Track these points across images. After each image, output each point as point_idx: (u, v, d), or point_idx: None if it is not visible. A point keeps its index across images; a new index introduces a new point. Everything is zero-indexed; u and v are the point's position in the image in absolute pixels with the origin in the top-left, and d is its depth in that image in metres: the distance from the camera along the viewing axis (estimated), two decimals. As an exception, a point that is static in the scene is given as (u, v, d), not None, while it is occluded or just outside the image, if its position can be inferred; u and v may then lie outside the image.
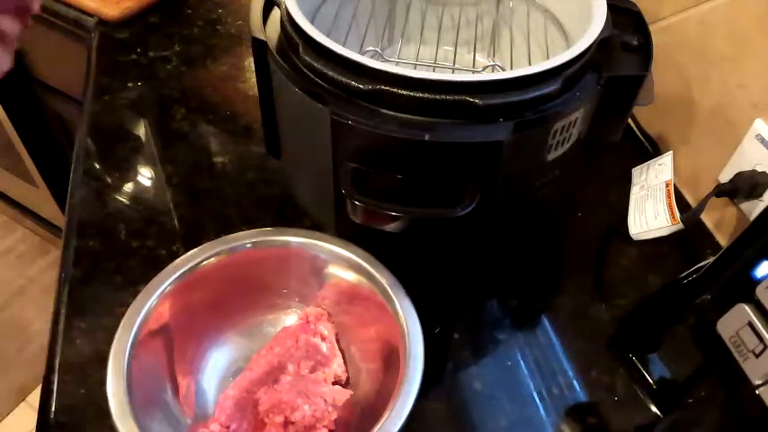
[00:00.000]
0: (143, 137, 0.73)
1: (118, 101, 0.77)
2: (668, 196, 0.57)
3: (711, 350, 0.48)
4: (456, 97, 0.44)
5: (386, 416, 0.42)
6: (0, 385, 1.37)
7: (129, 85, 0.79)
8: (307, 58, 0.48)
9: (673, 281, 0.56)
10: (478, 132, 0.45)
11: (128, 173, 0.69)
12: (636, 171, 0.64)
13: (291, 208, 0.64)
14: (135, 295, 0.47)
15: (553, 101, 0.47)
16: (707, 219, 0.66)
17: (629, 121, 0.74)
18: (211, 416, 0.47)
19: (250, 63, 0.83)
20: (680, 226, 0.54)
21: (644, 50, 0.54)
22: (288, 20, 0.50)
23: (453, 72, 0.62)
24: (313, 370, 0.50)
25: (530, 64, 0.59)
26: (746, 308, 0.45)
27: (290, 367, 0.50)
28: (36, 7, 0.40)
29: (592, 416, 0.53)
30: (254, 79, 0.78)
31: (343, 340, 0.52)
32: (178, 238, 0.62)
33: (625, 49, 0.53)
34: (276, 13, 0.54)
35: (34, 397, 1.37)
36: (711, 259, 0.49)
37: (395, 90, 0.45)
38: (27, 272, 1.54)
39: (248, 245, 0.52)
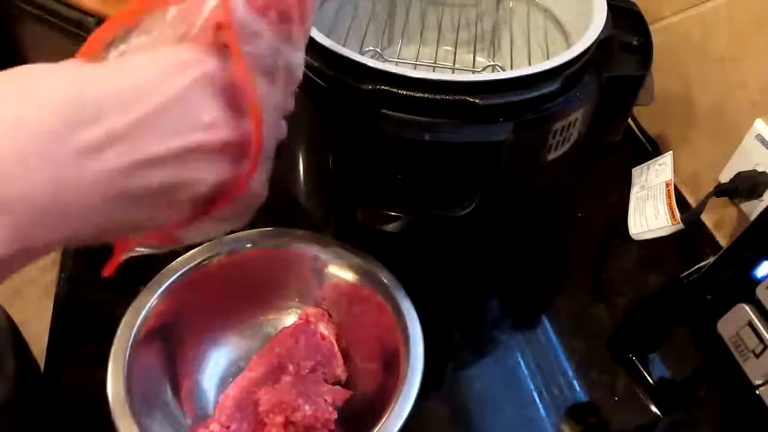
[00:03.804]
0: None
1: (118, 101, 0.77)
2: (668, 196, 0.57)
3: (711, 350, 0.48)
4: (456, 97, 0.44)
5: (386, 416, 0.42)
6: (0, 385, 1.37)
7: (129, 85, 0.79)
8: (307, 57, 0.48)
9: (673, 281, 0.56)
10: (478, 132, 0.45)
11: (128, 173, 0.69)
12: (636, 171, 0.64)
13: (291, 208, 0.64)
14: (135, 295, 0.47)
15: (553, 101, 0.47)
16: (707, 219, 0.66)
17: (629, 121, 0.74)
18: (211, 416, 0.47)
19: (250, 63, 0.83)
20: (680, 226, 0.54)
21: (644, 50, 0.54)
22: (288, 20, 0.50)
23: (453, 72, 0.62)
24: (313, 370, 0.50)
25: (530, 64, 0.59)
26: (746, 308, 0.45)
27: (290, 367, 0.49)
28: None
29: (592, 416, 0.53)
30: (254, 79, 0.78)
31: (343, 340, 0.52)
32: (178, 238, 0.62)
33: (625, 49, 0.53)
34: (276, 13, 0.54)
35: (34, 397, 1.37)
36: (711, 259, 0.49)
37: (395, 90, 0.45)
38: (27, 272, 1.54)
39: (248, 245, 0.52)
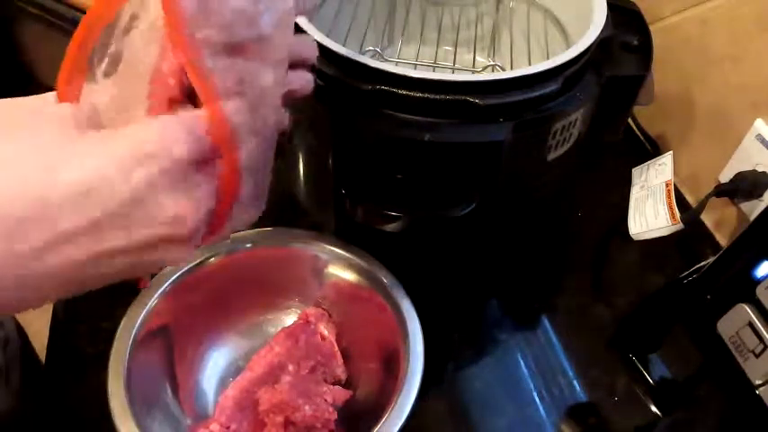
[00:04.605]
0: (143, 137, 0.73)
1: (118, 101, 0.77)
2: (668, 196, 0.57)
3: (711, 350, 0.48)
4: (456, 97, 0.44)
5: (386, 416, 0.42)
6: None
7: (129, 85, 0.79)
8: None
9: (673, 281, 0.56)
10: (478, 132, 0.45)
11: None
12: (636, 171, 0.64)
13: (291, 208, 0.64)
14: (135, 295, 0.47)
15: (553, 101, 0.47)
16: (707, 219, 0.66)
17: (629, 121, 0.74)
18: (211, 416, 0.47)
19: (250, 63, 0.83)
20: (680, 226, 0.54)
21: (644, 50, 0.54)
22: (288, 20, 0.50)
23: (453, 72, 0.62)
24: (313, 370, 0.50)
25: (530, 64, 0.59)
26: (746, 308, 0.45)
27: (290, 367, 0.49)
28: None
29: (592, 416, 0.53)
30: (254, 79, 0.78)
31: (343, 340, 0.52)
32: (178, 238, 0.62)
33: (625, 49, 0.53)
34: (276, 13, 0.54)
35: (34, 397, 1.36)
36: (711, 259, 0.49)
37: (395, 90, 0.45)
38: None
39: (248, 245, 0.52)
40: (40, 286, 0.25)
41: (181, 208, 0.25)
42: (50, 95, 0.27)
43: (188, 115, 0.26)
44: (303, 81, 0.34)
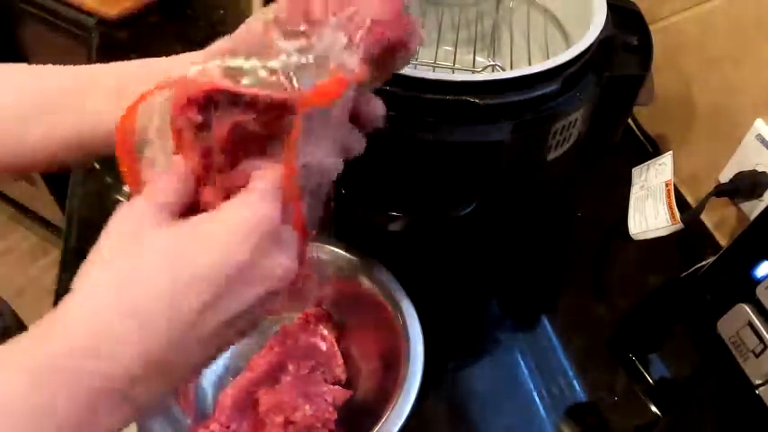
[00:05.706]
0: (143, 137, 0.73)
1: (118, 101, 0.77)
2: (668, 196, 0.57)
3: (711, 350, 0.48)
4: (456, 97, 0.44)
5: (386, 416, 0.42)
6: (0, 385, 1.37)
7: (130, 85, 0.79)
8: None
9: (673, 281, 0.56)
10: (478, 132, 0.45)
11: (128, 173, 0.69)
12: (636, 171, 0.64)
13: (291, 208, 0.64)
14: (135, 295, 0.47)
15: (553, 101, 0.47)
16: (707, 219, 0.66)
17: (629, 121, 0.74)
18: (211, 416, 0.47)
19: (250, 63, 0.83)
20: (680, 226, 0.54)
21: (644, 50, 0.54)
22: (288, 20, 0.50)
23: (453, 72, 0.61)
24: (313, 370, 0.50)
25: (530, 64, 0.59)
26: (746, 308, 0.45)
27: (290, 367, 0.50)
28: None
29: (592, 416, 0.53)
30: (254, 79, 0.78)
31: (343, 340, 0.52)
32: (178, 238, 0.62)
33: (625, 49, 0.53)
34: (276, 13, 0.54)
35: (34, 397, 1.36)
36: (711, 259, 0.49)
37: (394, 90, 0.45)
38: (27, 272, 1.54)
39: (248, 245, 0.52)
40: (182, 355, 0.28)
41: (287, 263, 0.30)
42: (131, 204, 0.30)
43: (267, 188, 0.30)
44: (356, 144, 0.37)
